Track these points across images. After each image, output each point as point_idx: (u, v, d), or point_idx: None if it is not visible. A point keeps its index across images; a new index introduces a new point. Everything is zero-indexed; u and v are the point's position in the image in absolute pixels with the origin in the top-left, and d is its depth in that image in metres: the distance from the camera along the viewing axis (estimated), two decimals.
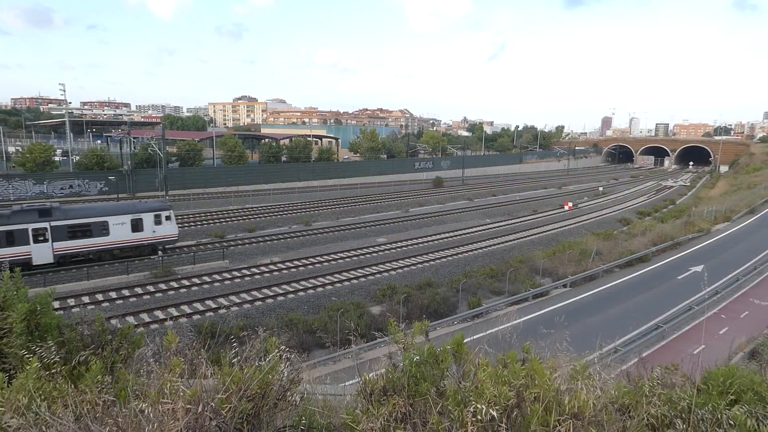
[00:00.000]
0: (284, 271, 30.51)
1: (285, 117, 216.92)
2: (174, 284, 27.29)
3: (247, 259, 33.24)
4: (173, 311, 23.46)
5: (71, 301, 24.33)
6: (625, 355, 18.33)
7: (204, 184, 61.02)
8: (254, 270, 30.38)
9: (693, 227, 43.52)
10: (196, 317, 22.75)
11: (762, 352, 16.78)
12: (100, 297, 25.13)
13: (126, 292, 25.89)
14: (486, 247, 38.34)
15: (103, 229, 29.75)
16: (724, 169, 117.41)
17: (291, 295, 26.00)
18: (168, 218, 32.11)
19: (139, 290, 26.27)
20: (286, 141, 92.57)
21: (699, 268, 32.38)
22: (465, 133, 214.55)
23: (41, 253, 27.83)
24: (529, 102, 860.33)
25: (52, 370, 4.17)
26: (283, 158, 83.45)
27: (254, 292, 26.24)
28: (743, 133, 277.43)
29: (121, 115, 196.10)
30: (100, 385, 3.86)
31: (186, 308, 23.87)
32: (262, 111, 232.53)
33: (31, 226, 27.51)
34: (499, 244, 39.52)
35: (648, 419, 3.48)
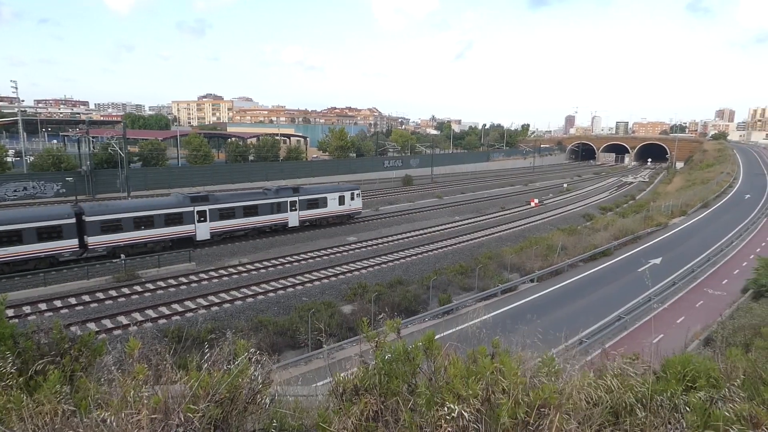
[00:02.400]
0: (253, 272, 30.04)
1: (252, 115, 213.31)
2: (138, 288, 26.46)
3: (214, 260, 32.55)
4: (137, 316, 22.74)
5: (27, 309, 23.24)
6: (589, 346, 18.92)
7: (168, 184, 59.37)
8: (222, 272, 29.79)
9: (651, 221, 45.31)
10: (161, 322, 22.13)
11: (715, 339, 17.64)
12: (58, 303, 24.12)
13: (86, 298, 24.94)
14: (456, 244, 38.78)
15: (324, 203, 43.12)
16: (680, 165, 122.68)
17: (261, 297, 25.62)
18: (358, 195, 45.83)
19: (100, 295, 25.34)
20: (254, 140, 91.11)
21: (657, 261, 33.75)
22: (433, 132, 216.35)
23: (294, 218, 41.11)
24: (495, 101, 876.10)
25: (7, 382, 3.98)
26: (251, 157, 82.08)
27: (222, 294, 25.72)
28: (697, 131, 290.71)
29: (78, 113, 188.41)
30: (59, 395, 3.70)
31: (151, 312, 23.18)
32: (228, 109, 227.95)
33: (288, 199, 40.65)
34: (468, 241, 40.04)
35: (611, 407, 3.61)
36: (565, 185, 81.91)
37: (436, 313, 23.60)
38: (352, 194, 45.52)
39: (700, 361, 3.93)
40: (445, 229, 44.87)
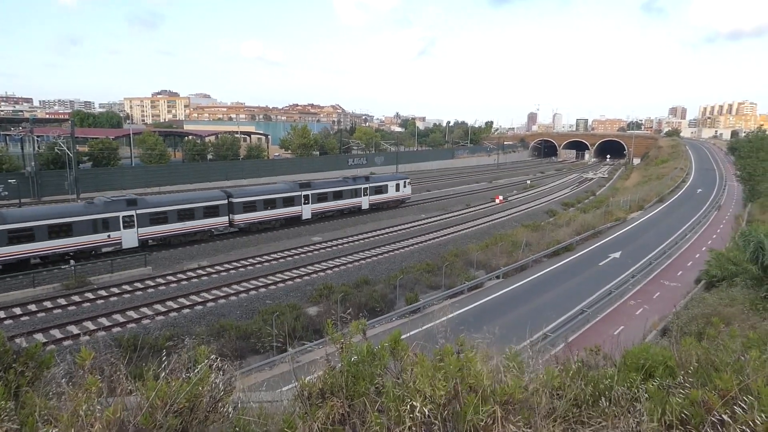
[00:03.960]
0: (214, 276, 29.41)
1: (210, 113, 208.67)
2: (89, 295, 25.40)
3: (172, 264, 31.65)
4: (89, 325, 21.83)
5: None
6: (554, 340, 19.50)
7: (121, 185, 57.22)
8: (180, 276, 29.01)
9: (611, 216, 47.14)
10: (116, 330, 21.33)
11: (671, 329, 18.52)
12: (1, 314, 22.83)
13: (33, 307, 23.74)
14: (422, 242, 39.13)
15: (386, 190, 51.96)
16: (637, 161, 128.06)
17: (222, 300, 25.12)
18: (408, 183, 55.21)
19: (48, 304, 24.18)
20: (212, 138, 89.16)
21: (617, 255, 35.15)
22: (398, 129, 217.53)
23: (366, 202, 49.43)
24: (459, 98, 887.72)
25: None
26: (209, 156, 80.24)
27: (181, 300, 25.04)
28: (652, 127, 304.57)
29: (21, 111, 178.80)
30: (2, 412, 3.50)
31: (104, 321, 22.30)
32: (185, 106, 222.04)
33: (362, 186, 49.09)
34: (434, 238, 40.48)
35: (574, 399, 3.73)
36: (528, 182, 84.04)
37: (402, 312, 23.74)
38: (405, 182, 54.87)
39: (657, 351, 4.12)
40: (412, 227, 45.18)
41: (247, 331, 20.56)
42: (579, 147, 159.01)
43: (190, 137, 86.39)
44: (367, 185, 49.99)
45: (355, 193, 48.87)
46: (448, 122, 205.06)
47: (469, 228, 45.16)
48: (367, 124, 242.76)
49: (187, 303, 24.56)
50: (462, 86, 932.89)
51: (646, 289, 28.17)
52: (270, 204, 41.21)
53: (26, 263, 28.64)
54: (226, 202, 37.97)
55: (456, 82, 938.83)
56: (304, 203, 43.93)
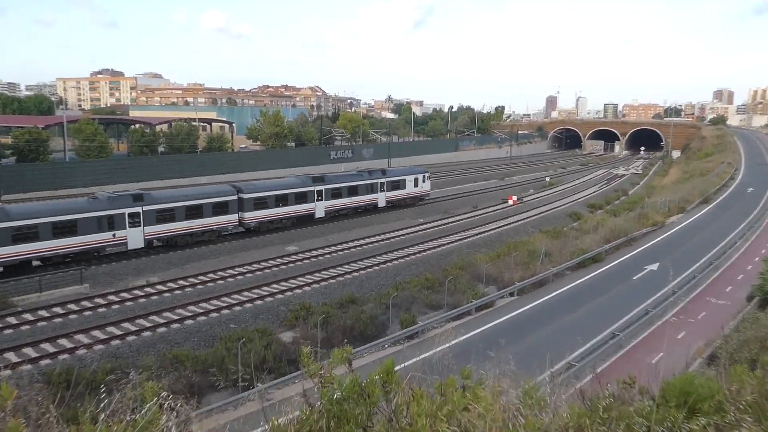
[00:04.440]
0: (166, 295, 29.22)
1: (162, 96, 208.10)
2: (12, 320, 25.09)
3: (114, 281, 31.40)
4: (12, 356, 21.55)
5: None
6: (580, 370, 19.57)
7: (53, 184, 56.74)
8: (125, 295, 28.78)
9: (647, 220, 47.59)
10: (45, 362, 21.08)
11: (720, 356, 18.66)
12: None
13: None
14: (420, 252, 39.22)
15: (404, 185, 56.01)
16: (676, 154, 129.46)
17: (176, 325, 24.95)
18: (428, 178, 59.55)
19: None
20: (164, 126, 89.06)
21: (654, 267, 35.43)
22: (390, 115, 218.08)
23: (382, 199, 53.67)
24: (464, 78, 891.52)
25: None
26: (161, 149, 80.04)
27: (126, 324, 24.84)
28: (693, 114, 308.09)
29: None
30: None
31: (30, 351, 22.04)
32: (131, 89, 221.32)
33: (379, 181, 53.23)
34: (435, 248, 40.59)
35: None
36: (547, 179, 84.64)
37: (397, 337, 23.73)
38: (424, 177, 58.56)
39: (703, 383, 4.14)
40: (408, 233, 45.28)
41: (207, 363, 20.41)
42: (607, 137, 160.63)
43: (138, 126, 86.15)
44: (383, 180, 53.66)
45: (371, 189, 52.60)
46: (451, 107, 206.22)
47: (476, 235, 45.34)
48: (353, 109, 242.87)
49: (133, 328, 24.34)
50: (467, 64, 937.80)
51: (690, 308, 28.42)
52: (282, 200, 44.51)
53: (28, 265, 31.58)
54: (236, 198, 41.03)
55: (460, 59, 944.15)
56: (318, 199, 47.21)
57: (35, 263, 32.16)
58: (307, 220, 46.74)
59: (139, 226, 35.70)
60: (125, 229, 35.07)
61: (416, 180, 57.58)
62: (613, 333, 23.77)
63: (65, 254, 32.89)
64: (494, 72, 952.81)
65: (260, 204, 42.97)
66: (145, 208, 35.94)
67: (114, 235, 34.61)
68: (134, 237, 35.59)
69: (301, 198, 46.05)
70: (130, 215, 35.22)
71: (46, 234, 31.55)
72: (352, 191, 50.64)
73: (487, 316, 26.96)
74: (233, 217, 41.12)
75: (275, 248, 39.79)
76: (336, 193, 49.03)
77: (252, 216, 42.42)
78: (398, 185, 55.61)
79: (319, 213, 47.72)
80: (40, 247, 31.60)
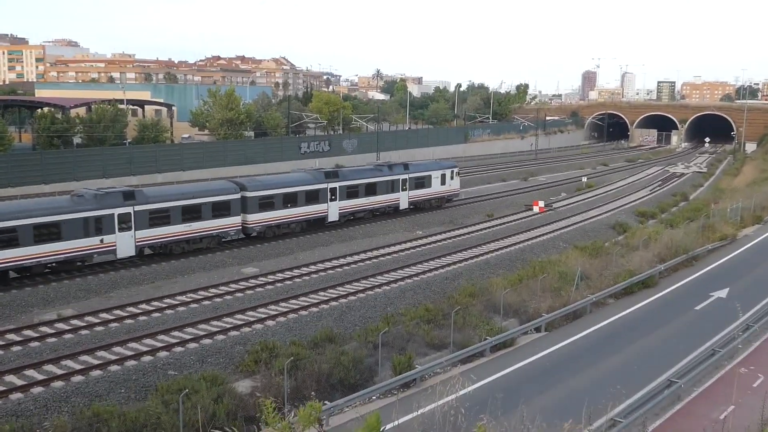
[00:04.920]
0: (83, 332, 28.98)
1: (79, 70, 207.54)
2: None
3: (15, 315, 31.19)
4: None
5: None
6: (627, 428, 19.62)
7: None
8: (29, 333, 28.54)
9: (713, 234, 48.00)
10: None
11: None
12: None
13: None
14: (418, 274, 39.22)
15: (429, 183, 59.52)
16: (750, 147, 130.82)
17: (97, 372, 24.74)
18: (457, 174, 63.67)
19: None
20: (82, 110, 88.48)
21: (723, 294, 35.66)
22: (380, 96, 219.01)
23: (404, 199, 57.34)
24: (475, 48, 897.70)
25: None
26: (77, 139, 79.61)
27: (30, 371, 24.63)
28: None
29: None
30: None
31: None
32: (38, 60, 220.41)
33: (401, 177, 56.48)
34: (437, 268, 40.63)
35: None
36: (584, 179, 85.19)
37: (388, 386, 23.67)
38: (452, 172, 62.13)
39: None
40: (402, 250, 45.35)
41: (138, 422, 20.23)
42: (662, 125, 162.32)
43: (46, 109, 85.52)
44: (406, 175, 56.91)
45: (392, 187, 55.78)
46: (459, 86, 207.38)
47: (491, 252, 45.47)
48: (331, 88, 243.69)
49: (39, 377, 24.10)
50: (479, 29, 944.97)
51: None
52: (290, 200, 47.53)
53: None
54: (238, 196, 44.24)
55: (470, 22, 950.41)
56: (331, 199, 50.20)
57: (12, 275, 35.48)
58: (318, 225, 50.16)
59: (130, 230, 38.79)
60: (114, 233, 38.08)
61: (443, 176, 60.83)
62: (670, 380, 23.85)
63: (46, 263, 36.01)
64: (515, 40, 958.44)
65: (266, 204, 45.97)
66: (137, 208, 39.03)
67: (102, 241, 37.71)
68: (124, 243, 38.69)
69: (313, 197, 48.87)
70: (121, 216, 38.27)
71: (26, 239, 34.45)
72: (370, 190, 53.57)
73: (506, 358, 26.95)
74: (236, 220, 44.28)
75: (227, 270, 39.61)
76: (352, 192, 51.82)
77: (256, 219, 45.36)
78: (423, 182, 58.75)
79: (332, 216, 50.74)
80: (18, 255, 34.43)
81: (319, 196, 49.32)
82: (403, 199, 57.01)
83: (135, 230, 38.95)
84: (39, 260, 35.54)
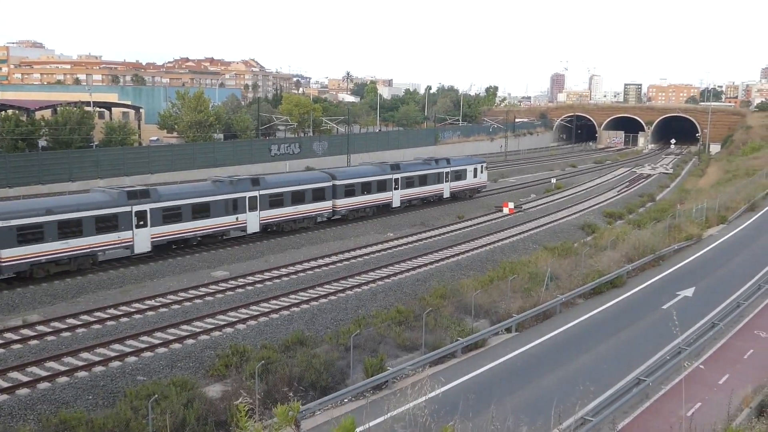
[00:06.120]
0: (49, 338, 28.63)
1: (44, 72, 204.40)
2: None
3: None
4: None
5: None
6: (596, 427, 19.84)
7: None
8: None
9: (679, 234, 48.69)
10: None
11: None
12: None
13: None
14: (389, 276, 39.31)
15: (464, 176, 69.00)
16: (715, 148, 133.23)
17: (63, 379, 24.45)
18: (486, 168, 73.66)
19: None
20: (47, 112, 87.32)
21: (689, 292, 36.22)
22: (350, 98, 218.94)
23: (446, 189, 66.82)
24: (445, 51, 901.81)
25: None
26: (43, 142, 78.44)
27: None
28: (737, 97, 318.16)
29: None
30: None
31: None
32: (1, 62, 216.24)
33: (444, 170, 66.25)
34: (408, 270, 40.75)
35: None
36: (553, 180, 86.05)
37: (360, 388, 23.65)
38: (482, 167, 71.98)
39: None
40: (372, 252, 45.44)
41: (106, 429, 20.04)
42: (629, 127, 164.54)
43: (10, 111, 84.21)
44: (449, 169, 66.74)
45: (438, 179, 65.55)
46: (429, 88, 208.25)
47: (462, 253, 45.71)
48: (301, 90, 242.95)
49: (5, 384, 23.78)
50: (449, 32, 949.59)
51: (733, 345, 29.08)
52: (366, 188, 57.44)
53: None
54: (330, 184, 53.94)
55: (440, 24, 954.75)
56: (395, 188, 60.00)
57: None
58: (385, 209, 59.84)
59: (256, 210, 47.65)
60: (246, 213, 46.90)
61: (475, 170, 70.49)
62: (638, 378, 24.14)
63: (200, 235, 45.27)
64: (484, 42, 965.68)
65: (350, 191, 55.34)
66: (261, 192, 48.00)
67: (237, 219, 46.64)
68: (252, 221, 47.60)
69: (382, 186, 58.79)
70: (251, 199, 47.13)
71: (187, 216, 43.55)
72: (423, 180, 63.50)
73: (477, 359, 27.06)
74: (328, 204, 53.84)
75: (197, 273, 39.35)
76: (409, 182, 61.81)
77: (343, 203, 54.78)
78: (460, 175, 68.37)
79: (396, 203, 60.67)
80: (181, 228, 43.52)
81: (387, 185, 58.96)
82: (446, 189, 66.43)
83: (260, 210, 47.56)
84: (195, 233, 44.46)
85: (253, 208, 47.27)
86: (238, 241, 47.35)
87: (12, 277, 36.18)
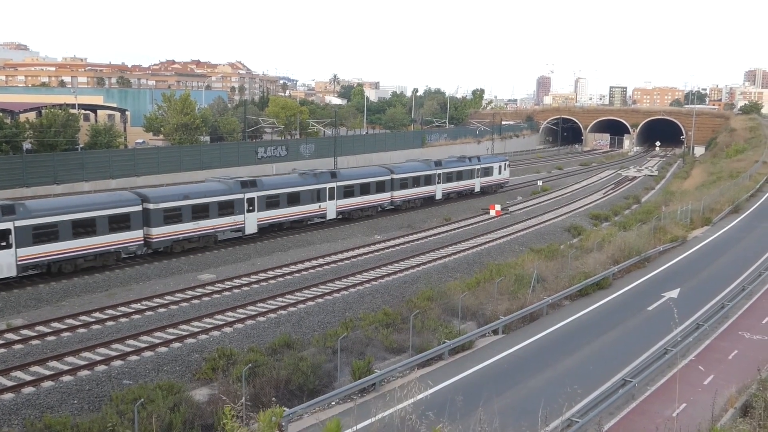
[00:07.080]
0: (34, 342, 28.46)
1: (28, 74, 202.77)
2: None
3: None
4: None
5: None
6: (583, 427, 19.92)
7: None
8: None
9: (664, 235, 49.01)
10: None
11: (755, 406, 19.37)
12: None
13: None
14: (377, 278, 39.32)
15: (491, 172, 77.23)
16: (699, 151, 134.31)
17: (48, 383, 24.29)
18: (508, 166, 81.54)
19: None
20: (32, 115, 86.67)
21: (674, 294, 36.46)
22: (337, 101, 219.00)
23: (477, 185, 74.37)
24: (432, 54, 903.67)
25: None
26: (27, 145, 77.83)
27: None
28: (720, 100, 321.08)
29: None
30: None
31: None
32: None
33: (476, 167, 74.05)
34: (396, 273, 40.78)
35: None
36: (539, 183, 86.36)
37: (347, 391, 23.64)
38: (505, 164, 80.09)
39: None
40: (359, 255, 45.43)
41: None
42: (614, 129, 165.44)
43: None
44: (479, 166, 74.24)
45: (471, 174, 72.87)
46: (415, 91, 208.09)
47: (449, 256, 45.81)
48: (288, 92, 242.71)
49: None
50: (436, 35, 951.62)
51: (718, 346, 29.31)
52: (416, 182, 64.49)
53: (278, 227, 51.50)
54: (390, 178, 61.12)
55: (426, 27, 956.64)
56: (438, 182, 67.26)
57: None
58: (429, 202, 66.99)
59: (334, 200, 54.71)
60: (326, 201, 53.88)
61: (500, 167, 78.37)
62: (624, 379, 24.28)
63: (292, 221, 52.11)
64: (471, 45, 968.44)
65: (404, 184, 62.56)
66: (338, 184, 55.08)
67: (320, 207, 53.57)
68: (330, 209, 54.65)
69: (427, 181, 65.75)
70: (330, 190, 54.00)
71: (283, 204, 50.38)
72: (459, 176, 70.83)
73: (465, 361, 27.10)
74: (387, 195, 61.18)
75: (183, 276, 39.22)
76: (449, 177, 69.11)
77: (399, 195, 62.21)
78: (488, 171, 75.94)
79: (438, 195, 67.88)
80: (277, 214, 50.28)
81: (432, 179, 66.12)
82: (477, 184, 73.66)
83: (336, 200, 54.47)
84: (288, 218, 51.08)
85: (331, 197, 53.95)
86: (225, 245, 47.17)
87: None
